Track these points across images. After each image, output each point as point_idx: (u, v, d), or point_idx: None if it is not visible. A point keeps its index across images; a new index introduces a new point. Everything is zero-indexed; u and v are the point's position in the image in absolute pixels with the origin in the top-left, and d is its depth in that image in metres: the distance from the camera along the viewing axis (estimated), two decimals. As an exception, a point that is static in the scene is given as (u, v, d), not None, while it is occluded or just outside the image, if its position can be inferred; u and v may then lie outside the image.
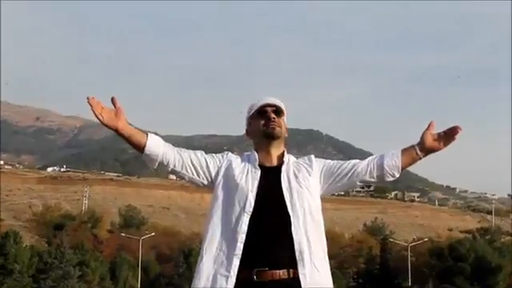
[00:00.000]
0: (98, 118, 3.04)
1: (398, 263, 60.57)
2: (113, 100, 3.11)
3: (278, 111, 3.32)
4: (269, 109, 3.30)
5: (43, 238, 63.21)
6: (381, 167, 3.29)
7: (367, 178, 3.31)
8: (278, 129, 3.28)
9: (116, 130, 3.10)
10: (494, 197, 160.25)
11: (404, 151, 3.30)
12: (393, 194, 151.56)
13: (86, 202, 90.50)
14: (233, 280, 3.04)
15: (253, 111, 3.35)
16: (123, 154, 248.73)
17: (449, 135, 3.25)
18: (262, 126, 3.28)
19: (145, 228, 69.78)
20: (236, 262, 3.06)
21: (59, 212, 73.38)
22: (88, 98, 3.03)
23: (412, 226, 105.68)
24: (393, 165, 3.28)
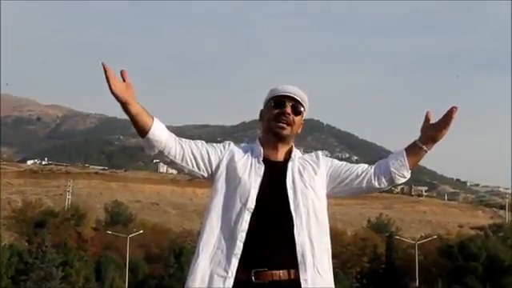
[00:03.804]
0: (109, 86, 2.97)
1: (405, 262, 60.65)
2: (122, 73, 3.04)
3: (297, 107, 3.26)
4: (287, 102, 3.25)
5: (23, 237, 63.16)
6: (387, 171, 3.31)
7: (376, 184, 3.32)
8: (287, 128, 3.23)
9: (125, 104, 3.02)
10: (508, 191, 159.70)
11: (407, 149, 3.32)
12: (399, 188, 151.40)
13: (69, 197, 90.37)
14: (231, 281, 3.03)
15: (270, 96, 3.30)
16: (109, 146, 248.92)
17: (447, 119, 3.24)
18: (272, 119, 3.23)
19: (132, 225, 69.74)
20: (235, 262, 3.05)
21: (40, 208, 73.24)
22: (103, 63, 2.98)
23: (420, 223, 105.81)
24: (399, 165, 3.30)
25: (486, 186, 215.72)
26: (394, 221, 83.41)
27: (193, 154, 3.21)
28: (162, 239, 63.83)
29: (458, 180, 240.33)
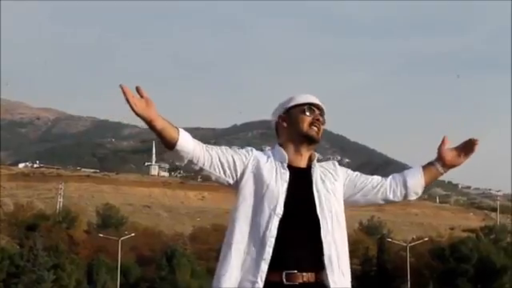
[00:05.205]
0: (131, 107, 2.98)
1: (397, 265, 60.81)
2: (138, 90, 3.04)
3: (323, 116, 3.41)
4: (316, 111, 3.38)
5: (14, 240, 63.02)
6: (404, 186, 3.50)
7: (391, 197, 3.51)
8: (320, 133, 3.37)
9: (150, 122, 3.04)
10: (499, 193, 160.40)
11: (425, 168, 3.52)
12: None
13: (61, 200, 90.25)
14: (260, 286, 3.11)
15: (298, 102, 3.38)
16: (101, 149, 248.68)
17: (467, 148, 3.48)
18: (309, 124, 3.34)
19: (124, 228, 69.73)
20: (264, 267, 3.13)
21: (32, 211, 73.19)
22: (121, 85, 2.98)
23: (411, 225, 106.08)
24: (415, 183, 3.50)
25: (478, 189, 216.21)
26: (385, 223, 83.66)
27: (220, 160, 3.26)
28: (153, 242, 63.82)
29: (449, 182, 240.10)
